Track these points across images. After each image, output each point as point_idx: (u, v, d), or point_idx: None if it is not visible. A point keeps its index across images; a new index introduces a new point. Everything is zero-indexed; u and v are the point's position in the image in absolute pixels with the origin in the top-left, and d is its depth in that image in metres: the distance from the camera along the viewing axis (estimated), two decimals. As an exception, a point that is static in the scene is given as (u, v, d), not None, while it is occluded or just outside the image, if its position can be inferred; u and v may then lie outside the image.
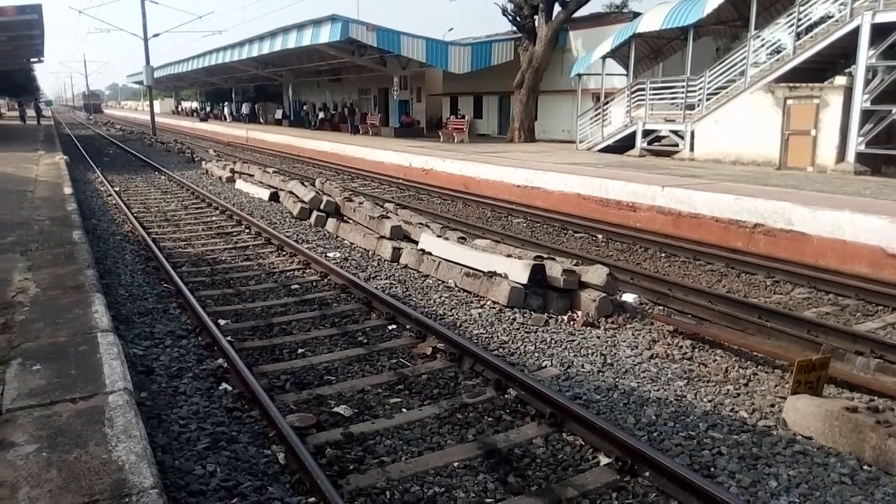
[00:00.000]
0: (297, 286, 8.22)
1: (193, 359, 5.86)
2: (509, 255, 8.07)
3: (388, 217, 10.87)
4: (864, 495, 3.85)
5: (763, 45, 17.96)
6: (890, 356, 5.95)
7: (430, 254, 8.97)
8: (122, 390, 4.05)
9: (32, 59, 38.76)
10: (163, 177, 19.93)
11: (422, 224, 10.62)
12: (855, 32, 14.88)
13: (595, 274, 7.28)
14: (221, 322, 6.74)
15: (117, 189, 16.65)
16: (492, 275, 7.66)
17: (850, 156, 15.17)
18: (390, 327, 6.70)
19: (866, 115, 14.97)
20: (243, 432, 4.56)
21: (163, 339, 6.34)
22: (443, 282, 8.28)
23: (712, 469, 4.11)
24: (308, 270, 8.95)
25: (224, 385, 5.28)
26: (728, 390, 5.28)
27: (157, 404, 4.93)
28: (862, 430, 4.23)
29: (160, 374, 5.49)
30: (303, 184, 14.39)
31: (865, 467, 4.12)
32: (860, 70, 14.87)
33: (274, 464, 4.18)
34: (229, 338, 6.15)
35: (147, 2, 37.47)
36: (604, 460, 4.21)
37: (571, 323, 6.86)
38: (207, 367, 5.64)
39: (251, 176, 18.02)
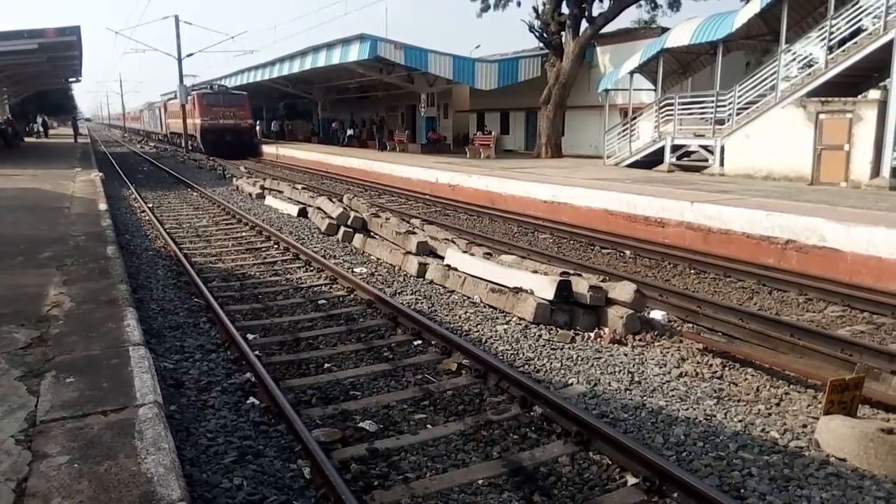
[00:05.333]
0: (323, 301, 8.29)
1: (222, 373, 5.94)
2: (535, 271, 8.05)
3: (414, 233, 10.92)
4: (902, 521, 3.73)
5: (794, 60, 17.73)
6: (929, 377, 5.77)
7: (455, 269, 8.98)
8: (152, 403, 4.11)
9: (70, 79, 40.79)
10: (195, 193, 20.32)
11: (448, 240, 10.65)
12: (889, 45, 14.62)
13: (622, 290, 7.21)
14: (250, 336, 6.83)
15: (150, 205, 17.02)
16: (518, 291, 7.64)
17: (886, 171, 14.84)
18: (416, 343, 6.71)
19: (902, 130, 14.63)
20: (270, 446, 4.59)
21: (192, 352, 6.44)
22: (468, 297, 8.28)
23: (742, 490, 4.03)
24: (335, 286, 9.02)
25: (251, 399, 5.34)
26: (759, 410, 5.17)
27: (186, 417, 5.00)
28: (899, 452, 4.11)
29: (189, 388, 5.57)
30: (331, 200, 14.55)
31: (903, 491, 3.99)
32: (894, 83, 14.58)
33: (300, 478, 4.20)
34: (257, 352, 6.23)
35: (181, 23, 38.57)
36: (631, 480, 4.15)
37: (598, 340, 6.80)
38: (236, 381, 5.71)
39: (280, 192, 18.29)
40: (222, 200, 17.55)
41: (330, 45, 31.09)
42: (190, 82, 42.91)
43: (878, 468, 4.19)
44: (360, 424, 4.92)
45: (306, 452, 4.35)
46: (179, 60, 39.32)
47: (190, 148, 40.59)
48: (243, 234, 13.25)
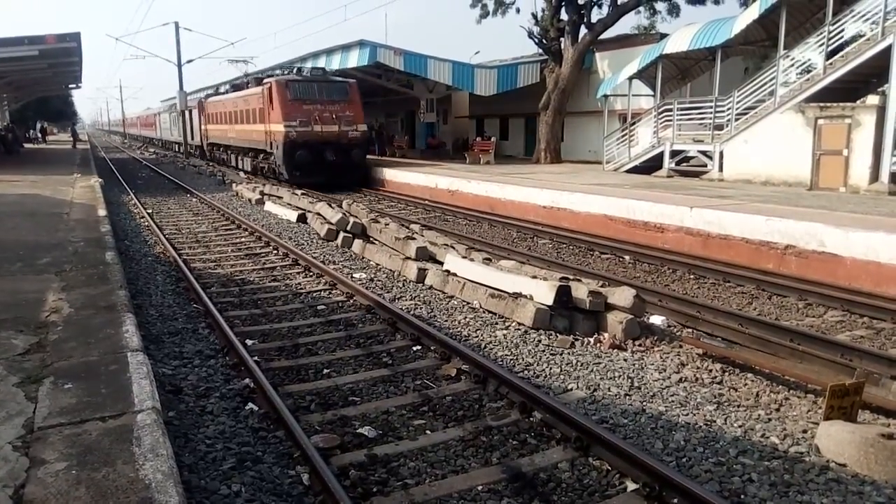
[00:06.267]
0: (323, 307, 8.28)
1: (221, 378, 5.92)
2: (535, 277, 8.04)
3: (413, 238, 10.92)
4: (903, 526, 3.72)
5: (793, 65, 17.77)
6: (929, 382, 5.76)
7: (455, 275, 8.98)
8: (151, 409, 4.09)
9: (70, 85, 40.07)
10: (194, 199, 20.32)
11: (447, 245, 10.65)
12: (888, 51, 14.66)
13: (622, 295, 7.21)
14: (249, 342, 6.82)
15: (150, 211, 17.02)
16: (517, 296, 7.64)
17: (884, 176, 14.86)
18: (415, 348, 6.70)
19: (901, 135, 14.66)
20: (268, 452, 4.58)
21: (191, 358, 6.43)
22: (468, 303, 8.27)
23: (742, 496, 4.01)
24: (334, 291, 9.01)
25: (250, 405, 5.33)
26: (759, 415, 5.16)
27: (185, 423, 4.98)
28: (899, 458, 4.10)
29: (188, 394, 5.56)
30: (330, 206, 14.56)
31: (904, 497, 3.98)
32: (893, 89, 14.61)
33: (298, 485, 4.19)
34: (256, 358, 6.22)
35: (181, 29, 38.62)
36: (631, 486, 4.14)
37: (598, 345, 6.79)
38: (234, 387, 5.70)
39: (280, 198, 18.30)
40: (222, 206, 17.55)
41: (330, 51, 31.17)
42: (189, 88, 42.56)
43: (879, 473, 4.18)
44: (360, 430, 4.91)
45: (305, 458, 4.34)
46: (179, 66, 39.47)
47: (211, 159, 32.40)
48: (242, 239, 13.24)
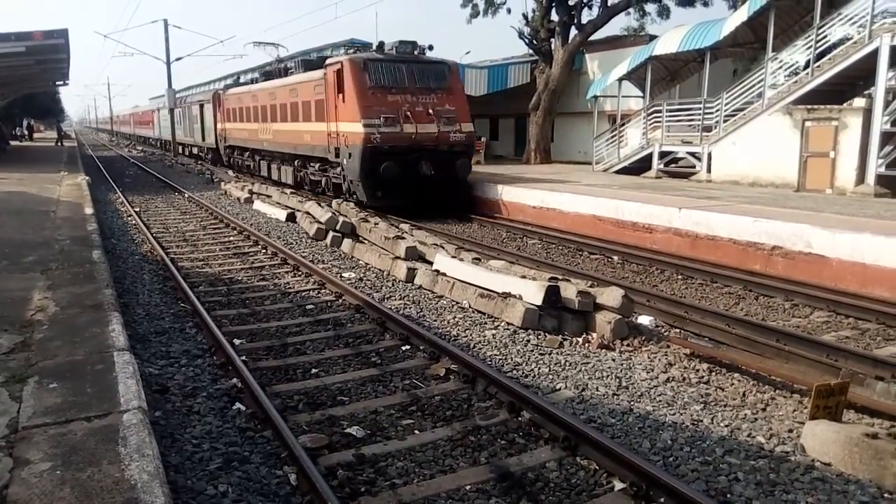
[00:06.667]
0: (311, 306, 8.25)
1: (208, 378, 5.89)
2: (524, 276, 8.05)
3: (403, 238, 10.91)
4: (886, 525, 3.75)
5: (781, 67, 17.91)
6: (912, 382, 5.82)
7: (444, 274, 8.98)
8: (137, 409, 4.07)
9: (58, 82, 39.44)
10: (182, 197, 20.20)
11: (437, 245, 10.65)
12: (874, 54, 14.80)
13: (610, 296, 7.24)
14: (236, 342, 6.78)
15: (137, 209, 16.91)
16: (506, 296, 7.65)
17: (870, 178, 15.01)
18: (404, 348, 6.69)
19: (886, 137, 14.82)
20: (256, 452, 4.56)
21: (178, 358, 6.39)
22: (457, 302, 8.27)
23: (729, 495, 4.04)
24: (323, 291, 8.99)
25: (238, 405, 5.30)
26: (745, 415, 5.19)
27: (171, 423, 4.95)
28: (883, 456, 4.14)
29: (175, 394, 5.53)
30: (319, 205, 14.52)
31: (886, 495, 4.02)
32: (879, 92, 14.76)
33: (286, 485, 4.17)
34: (244, 357, 6.19)
35: (170, 26, 38.35)
36: (618, 485, 4.15)
37: (586, 345, 6.81)
38: (222, 387, 5.67)
39: (269, 197, 18.23)
40: (210, 205, 17.46)
41: (320, 50, 31.08)
42: (177, 86, 41.86)
43: (863, 472, 4.22)
44: (348, 430, 4.89)
45: (292, 458, 4.32)
46: (168, 64, 39.15)
47: (230, 166, 26.65)
48: (231, 238, 13.18)
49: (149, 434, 3.78)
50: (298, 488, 4.11)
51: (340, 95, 16.23)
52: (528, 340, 6.85)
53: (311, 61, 20.19)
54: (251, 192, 19.30)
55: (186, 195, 20.12)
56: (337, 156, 16.89)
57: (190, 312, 7.87)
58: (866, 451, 4.24)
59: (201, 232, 13.99)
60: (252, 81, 26.14)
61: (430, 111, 16.01)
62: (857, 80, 16.44)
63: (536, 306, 7.28)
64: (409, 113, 15.71)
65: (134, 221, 15.11)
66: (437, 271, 9.16)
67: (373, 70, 15.90)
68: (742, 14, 18.46)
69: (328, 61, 17.34)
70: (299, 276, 9.86)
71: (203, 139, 32.85)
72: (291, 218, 14.92)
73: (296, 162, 20.44)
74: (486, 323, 7.48)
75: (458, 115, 16.46)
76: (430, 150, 15.82)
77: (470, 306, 8.07)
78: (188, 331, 7.27)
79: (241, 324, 7.55)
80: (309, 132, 18.62)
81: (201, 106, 32.40)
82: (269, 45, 26.50)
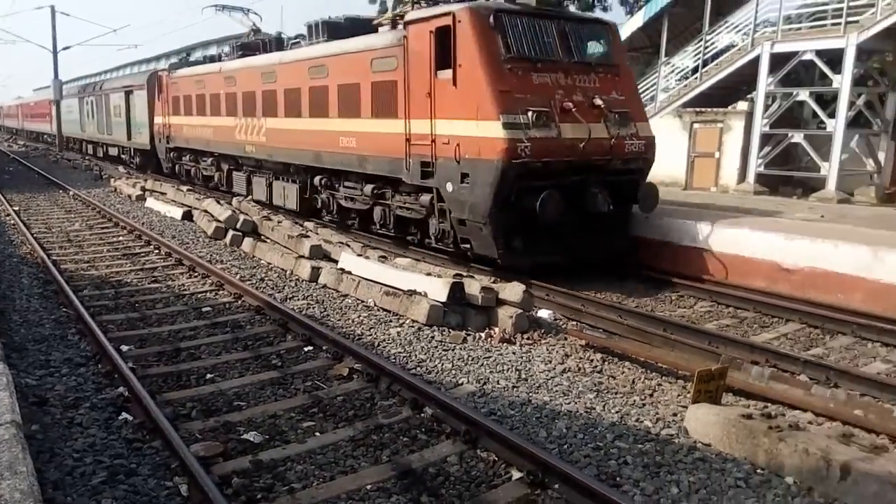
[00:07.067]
0: (208, 309, 7.93)
1: (92, 387, 5.54)
2: (429, 274, 8.10)
3: (307, 236, 10.69)
4: (757, 497, 4.05)
5: (672, 72, 18.93)
6: (783, 365, 6.33)
7: (350, 273, 8.88)
8: (10, 423, 3.80)
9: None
10: (67, 195, 18.89)
11: (342, 243, 10.52)
12: (756, 61, 15.91)
13: (512, 291, 7.41)
14: (124, 348, 6.42)
15: (16, 208, 15.66)
16: (412, 293, 7.66)
17: (751, 176, 16.14)
18: (306, 349, 6.57)
19: (765, 139, 15.99)
20: (144, 464, 4.34)
21: (59, 367, 5.97)
22: (362, 301, 8.21)
23: (618, 479, 4.23)
24: (221, 292, 8.66)
25: (124, 414, 5.02)
26: (634, 401, 5.46)
27: (50, 437, 4.63)
28: (755, 435, 4.46)
29: (54, 405, 5.17)
30: (218, 202, 13.97)
31: (759, 471, 4.34)
32: (760, 96, 15.90)
33: (176, 496, 3.99)
34: (131, 364, 5.86)
35: (57, 13, 35.66)
36: (516, 475, 4.26)
37: (489, 339, 6.93)
38: (107, 396, 5.35)
39: (163, 194, 17.34)
40: (97, 203, 16.42)
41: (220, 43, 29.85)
42: (64, 77, 39.01)
43: (739, 451, 4.53)
44: (244, 436, 4.75)
45: (183, 468, 4.14)
46: (55, 53, 36.42)
47: (174, 175, 20.95)
48: (120, 238, 12.45)
49: (23, 450, 3.53)
50: (190, 499, 3.94)
51: (446, 74, 9.33)
52: (433, 337, 6.89)
53: (340, 25, 12.88)
54: (144, 189, 18.29)
55: (72, 193, 18.82)
56: (425, 176, 9.97)
57: (73, 318, 7.37)
58: (742, 431, 4.56)
59: (87, 232, 13.13)
60: (215, 59, 19.33)
61: (596, 102, 9.54)
62: (741, 84, 17.64)
63: (441, 303, 7.34)
64: (566, 105, 9.27)
65: (12, 221, 13.98)
66: (343, 270, 9.05)
67: (510, 29, 9.21)
68: (638, 20, 19.39)
69: (411, 15, 10.06)
70: (195, 277, 9.45)
71: (129, 138, 24.80)
72: (188, 216, 14.27)
73: (314, 178, 13.41)
74: (391, 321, 7.46)
75: (633, 108, 10.31)
76: (599, 167, 9.51)
77: (375, 305, 8.02)
78: (70, 338, 6.81)
79: (129, 329, 7.14)
80: (353, 134, 11.66)
81: (128, 93, 24.36)
82: (236, 10, 19.27)
